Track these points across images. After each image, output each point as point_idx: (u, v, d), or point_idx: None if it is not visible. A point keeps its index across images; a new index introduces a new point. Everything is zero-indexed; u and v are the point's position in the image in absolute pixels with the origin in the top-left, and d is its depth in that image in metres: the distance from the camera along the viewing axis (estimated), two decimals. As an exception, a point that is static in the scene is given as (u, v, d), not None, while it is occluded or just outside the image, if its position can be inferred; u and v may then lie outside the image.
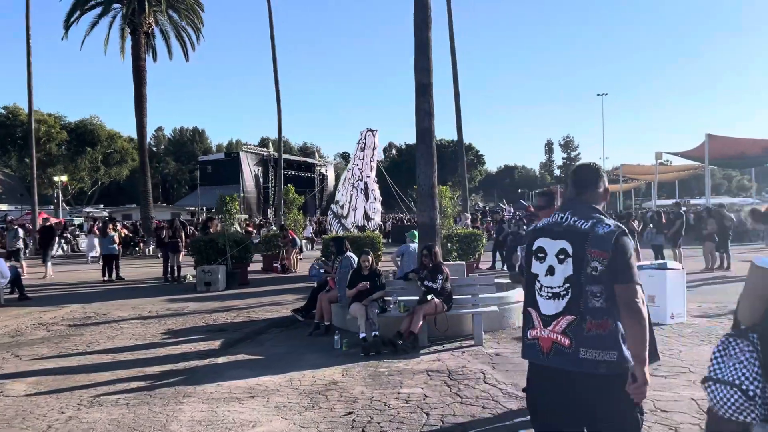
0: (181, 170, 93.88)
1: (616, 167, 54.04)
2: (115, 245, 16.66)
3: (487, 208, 55.05)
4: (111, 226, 17.35)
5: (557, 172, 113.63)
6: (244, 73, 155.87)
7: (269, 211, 58.29)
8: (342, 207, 17.01)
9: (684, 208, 39.53)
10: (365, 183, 16.74)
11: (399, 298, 8.38)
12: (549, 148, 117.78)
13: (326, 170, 74.02)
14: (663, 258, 16.92)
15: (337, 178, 78.76)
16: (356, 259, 8.88)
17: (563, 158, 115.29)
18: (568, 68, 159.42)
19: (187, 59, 31.33)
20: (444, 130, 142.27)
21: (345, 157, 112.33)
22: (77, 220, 47.29)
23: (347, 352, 7.85)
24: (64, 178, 51.08)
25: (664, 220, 17.47)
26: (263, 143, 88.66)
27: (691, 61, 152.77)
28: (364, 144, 16.93)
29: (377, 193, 16.87)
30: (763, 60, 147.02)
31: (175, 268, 16.58)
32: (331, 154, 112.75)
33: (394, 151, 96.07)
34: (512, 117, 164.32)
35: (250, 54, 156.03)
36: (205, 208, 59.93)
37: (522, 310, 3.12)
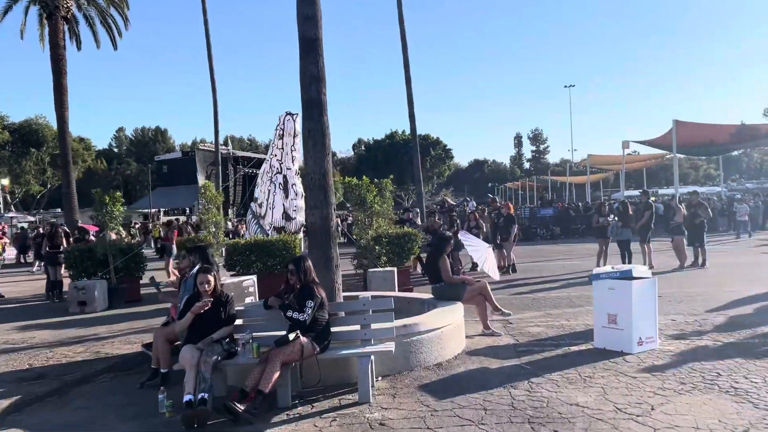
0: (144, 171, 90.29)
1: (584, 159, 52.10)
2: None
3: (447, 202, 52.64)
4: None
5: (527, 165, 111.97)
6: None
7: (230, 211, 55.43)
8: (260, 205, 14.35)
9: (653, 198, 37.68)
10: (284, 176, 14.10)
11: (254, 334, 5.81)
12: (518, 141, 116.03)
13: (290, 167, 70.82)
14: (630, 255, 14.61)
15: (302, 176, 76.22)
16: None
17: (532, 151, 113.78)
18: (536, 61, 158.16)
19: (115, 47, 28.35)
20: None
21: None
22: (22, 225, 43.95)
23: (172, 419, 5.27)
24: (5, 181, 47.64)
25: (630, 212, 15.13)
26: (227, 141, 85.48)
27: (659, 50, 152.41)
28: (283, 130, 14.28)
29: (299, 188, 14.23)
30: (731, 46, 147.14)
31: (57, 283, 13.80)
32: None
33: (363, 148, 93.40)
34: (482, 111, 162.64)
35: (214, 52, 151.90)
36: (162, 210, 56.84)
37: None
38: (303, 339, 5.42)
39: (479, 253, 7.79)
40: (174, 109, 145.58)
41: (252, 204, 14.82)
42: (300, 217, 14.05)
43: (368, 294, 6.92)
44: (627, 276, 6.95)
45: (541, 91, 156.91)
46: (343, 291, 7.65)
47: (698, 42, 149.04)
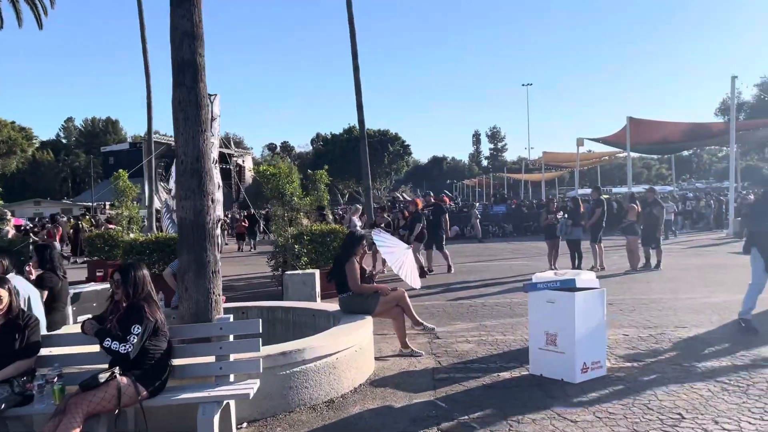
0: (94, 163, 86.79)
1: (540, 157, 51.43)
2: None
3: (399, 198, 51.23)
4: None
5: (485, 163, 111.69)
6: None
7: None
8: (173, 198, 12.62)
9: (606, 196, 37.00)
10: (200, 166, 12.39)
11: (66, 371, 4.20)
12: (476, 139, 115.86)
13: (243, 161, 68.86)
14: (580, 256, 13.38)
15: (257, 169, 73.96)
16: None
17: (490, 149, 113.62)
18: (495, 59, 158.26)
19: (40, 27, 25.95)
20: (370, 121, 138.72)
21: (272, 148, 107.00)
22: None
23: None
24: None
25: (582, 209, 13.90)
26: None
27: (616, 48, 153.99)
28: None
29: (216, 177, 12.53)
30: (686, 44, 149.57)
31: None
32: (259, 145, 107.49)
33: (321, 142, 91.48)
34: (443, 109, 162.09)
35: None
36: (108, 203, 54.11)
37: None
38: (122, 379, 3.85)
39: (394, 256, 6.34)
40: (129, 100, 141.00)
41: (166, 196, 13.08)
42: (216, 212, 12.35)
43: (230, 314, 5.23)
44: (569, 286, 5.55)
45: (500, 90, 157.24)
46: (261, 299, 6.12)
47: (656, 41, 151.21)
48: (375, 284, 6.49)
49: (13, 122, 63.73)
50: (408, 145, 78.31)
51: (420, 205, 14.21)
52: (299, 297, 9.21)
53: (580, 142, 37.22)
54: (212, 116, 12.63)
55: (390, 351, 6.72)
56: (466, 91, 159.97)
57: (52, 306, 5.68)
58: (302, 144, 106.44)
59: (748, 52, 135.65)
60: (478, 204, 29.15)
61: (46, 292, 5.63)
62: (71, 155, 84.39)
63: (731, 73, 21.15)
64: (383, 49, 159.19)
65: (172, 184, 12.75)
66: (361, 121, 25.06)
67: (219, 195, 12.42)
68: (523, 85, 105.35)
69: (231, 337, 4.44)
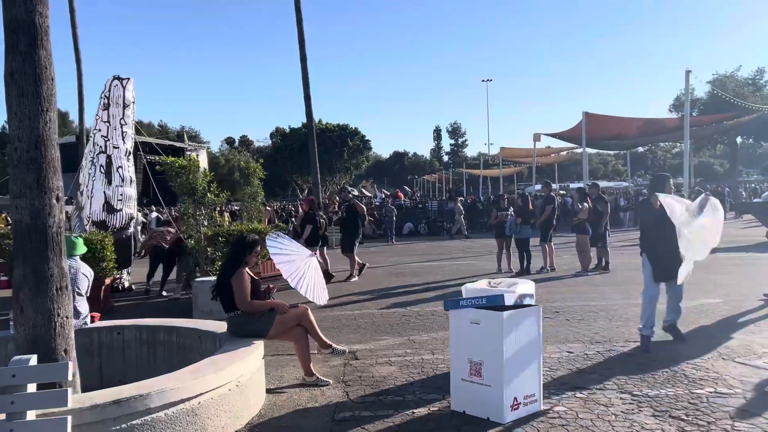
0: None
1: (498, 152, 50.85)
2: None
3: (345, 192, 50.07)
4: None
5: (446, 158, 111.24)
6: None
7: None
8: (81, 193, 11.23)
9: (563, 192, 36.45)
10: (108, 157, 11.02)
11: None
12: (437, 134, 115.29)
13: (198, 155, 66.54)
14: (529, 256, 12.47)
15: (211, 163, 71.58)
16: None
17: (451, 145, 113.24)
18: (456, 55, 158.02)
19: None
20: (330, 115, 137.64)
21: (230, 142, 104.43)
22: None
23: None
24: None
25: (531, 206, 12.99)
26: (135, 127, 79.62)
27: (576, 43, 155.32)
28: (107, 99, 11.16)
29: (128, 172, 11.18)
30: (642, 40, 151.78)
31: None
32: (218, 139, 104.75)
33: (279, 137, 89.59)
34: (404, 105, 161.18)
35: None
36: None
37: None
38: None
39: (292, 266, 5.18)
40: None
41: (77, 193, 11.68)
42: (128, 209, 11.02)
43: (29, 357, 3.94)
44: (497, 304, 4.51)
45: (461, 85, 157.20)
46: (168, 311, 4.90)
47: (614, 37, 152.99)
48: (271, 300, 5.34)
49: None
50: (368, 140, 77.08)
51: (308, 206, 12.67)
52: (211, 308, 8.02)
53: (536, 138, 36.64)
54: (125, 102, 11.29)
55: (294, 378, 5.59)
56: (427, 87, 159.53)
57: None
58: (261, 138, 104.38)
59: (702, 50, 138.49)
60: (460, 199, 27.50)
61: None
62: (5, 149, 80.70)
63: (685, 68, 20.58)
64: (344, 45, 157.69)
65: (81, 178, 11.34)
66: (308, 113, 23.90)
67: (132, 191, 11.10)
68: (483, 80, 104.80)
69: (31, 387, 3.24)
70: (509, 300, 4.55)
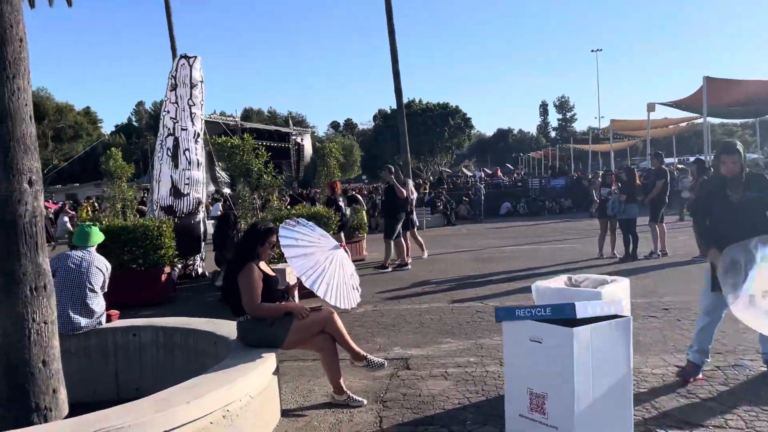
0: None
1: (608, 126, 47.34)
2: None
3: (445, 173, 48.24)
4: None
5: (553, 134, 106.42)
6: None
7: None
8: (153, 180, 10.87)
9: (680, 167, 33.07)
10: (176, 139, 10.52)
11: None
12: (544, 109, 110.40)
13: (302, 139, 67.79)
14: (636, 239, 10.77)
15: (314, 148, 72.48)
16: None
17: (559, 120, 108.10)
18: (562, 25, 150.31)
19: (69, 4, 24.83)
20: (430, 94, 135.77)
21: (335, 126, 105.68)
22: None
23: None
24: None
25: (637, 181, 11.21)
26: (246, 114, 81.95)
27: (691, 7, 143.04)
28: (174, 78, 10.64)
29: (196, 154, 10.62)
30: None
31: None
32: (325, 123, 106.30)
33: (381, 119, 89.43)
34: (509, 80, 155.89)
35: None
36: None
37: None
38: None
39: (308, 263, 4.11)
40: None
41: (152, 179, 11.35)
42: (196, 194, 10.48)
43: None
44: (566, 316, 3.24)
45: (568, 58, 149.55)
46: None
47: None
48: (288, 302, 4.34)
49: (87, 108, 65.00)
50: (469, 118, 74.98)
51: (338, 189, 11.54)
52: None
53: (650, 108, 33.31)
54: (192, 82, 10.73)
55: (324, 395, 4.60)
56: (532, 60, 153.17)
57: None
58: (365, 121, 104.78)
59: None
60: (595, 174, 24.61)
61: None
62: (141, 138, 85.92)
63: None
64: (446, 22, 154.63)
65: (157, 165, 10.94)
66: (397, 88, 22.85)
67: (199, 175, 10.55)
68: (592, 51, 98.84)
69: None
70: (589, 309, 3.26)
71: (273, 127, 66.69)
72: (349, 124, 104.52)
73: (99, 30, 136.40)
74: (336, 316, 4.29)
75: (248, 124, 65.91)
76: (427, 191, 25.28)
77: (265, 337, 4.13)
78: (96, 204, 23.80)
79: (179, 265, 10.09)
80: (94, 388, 5.13)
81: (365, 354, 4.44)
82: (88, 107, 65.93)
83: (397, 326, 6.69)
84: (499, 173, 40.51)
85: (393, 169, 11.07)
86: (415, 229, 11.96)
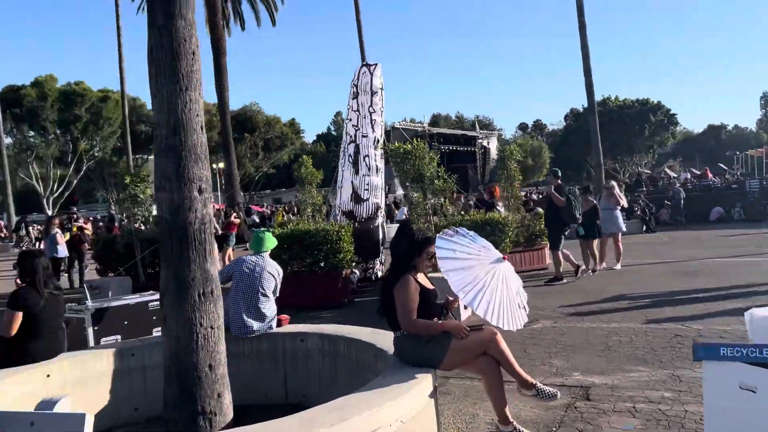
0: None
1: None
2: (55, 247, 12.55)
3: (644, 174, 43.85)
4: (56, 221, 13.41)
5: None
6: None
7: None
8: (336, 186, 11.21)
9: None
10: (357, 146, 10.70)
11: None
12: (766, 101, 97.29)
13: (488, 142, 67.09)
14: None
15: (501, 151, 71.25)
16: None
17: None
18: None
19: (274, 23, 27.08)
20: (628, 91, 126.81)
21: (523, 127, 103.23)
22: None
23: None
24: (222, 165, 50.82)
25: None
26: (434, 120, 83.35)
27: None
28: (356, 87, 10.84)
29: (375, 161, 10.70)
30: None
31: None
32: (512, 126, 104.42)
33: (572, 118, 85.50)
34: (720, 71, 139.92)
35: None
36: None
37: None
38: None
39: (469, 273, 3.67)
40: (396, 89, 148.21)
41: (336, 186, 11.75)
42: (375, 199, 10.57)
43: None
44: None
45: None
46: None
47: None
48: (446, 321, 3.97)
49: (292, 119, 70.99)
50: (674, 114, 68.58)
51: (497, 194, 10.59)
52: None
53: None
54: (372, 89, 10.88)
55: (486, 423, 4.17)
56: (749, 46, 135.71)
57: (32, 331, 4.39)
58: (556, 121, 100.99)
59: None
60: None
61: (19, 314, 4.34)
62: (338, 146, 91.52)
63: None
64: (640, 10, 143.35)
65: (340, 172, 11.28)
66: (589, 85, 21.44)
67: (378, 181, 10.65)
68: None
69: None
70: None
71: (459, 132, 66.91)
72: (538, 126, 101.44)
73: (301, 47, 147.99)
74: (499, 338, 3.84)
75: (435, 130, 67.01)
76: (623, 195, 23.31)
77: (421, 356, 3.82)
78: (287, 208, 25.54)
79: (358, 269, 10.25)
80: (266, 392, 5.24)
81: (534, 381, 3.93)
82: (293, 119, 71.78)
83: (578, 347, 6.01)
84: (709, 174, 36.25)
85: (558, 174, 10.23)
86: (597, 240, 10.82)
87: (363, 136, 10.75)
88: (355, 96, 10.88)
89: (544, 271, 11.34)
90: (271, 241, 5.52)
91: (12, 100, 44.77)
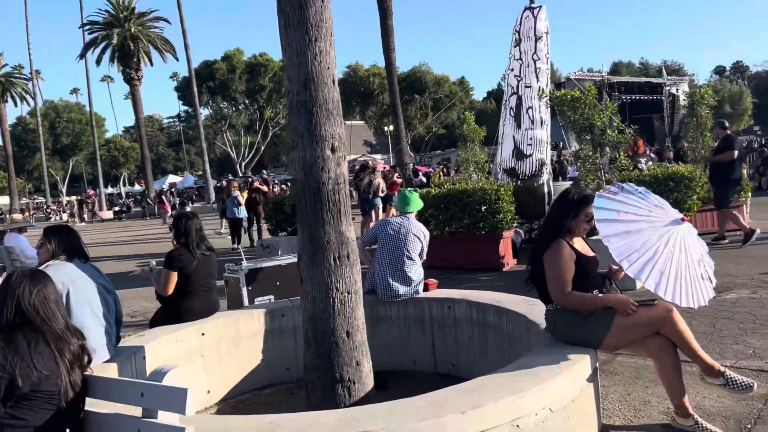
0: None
1: None
2: (236, 208, 13.34)
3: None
4: (235, 185, 14.22)
5: None
6: None
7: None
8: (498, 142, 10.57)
9: None
10: (519, 98, 9.88)
11: None
12: None
13: (677, 90, 60.76)
14: None
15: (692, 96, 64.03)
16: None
17: None
18: None
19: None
20: None
21: (720, 71, 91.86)
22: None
23: None
24: (392, 127, 51.74)
25: None
26: (615, 68, 77.03)
27: None
28: (518, 33, 9.95)
29: (539, 113, 9.79)
30: None
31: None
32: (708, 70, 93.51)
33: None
34: None
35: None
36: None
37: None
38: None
39: (637, 238, 2.94)
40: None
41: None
42: (539, 154, 9.74)
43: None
44: None
45: None
46: None
47: None
48: (609, 294, 3.35)
49: (461, 78, 69.94)
50: None
51: (640, 148, 8.87)
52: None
53: None
54: (536, 34, 9.98)
55: (660, 412, 3.51)
56: None
57: (186, 290, 4.53)
58: (761, 62, 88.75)
59: None
60: None
61: (175, 273, 4.49)
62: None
63: None
64: None
65: (500, 127, 10.62)
66: None
67: (543, 134, 9.86)
68: None
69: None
70: None
71: (643, 79, 61.23)
72: (739, 68, 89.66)
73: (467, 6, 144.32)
74: (676, 315, 3.15)
75: (615, 78, 62.05)
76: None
77: (578, 335, 3.27)
78: (445, 169, 25.06)
79: (522, 230, 9.61)
80: (414, 358, 5.00)
81: (722, 369, 3.20)
82: (462, 77, 70.56)
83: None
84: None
85: (725, 125, 8.65)
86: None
87: (526, 87, 9.93)
88: (518, 43, 10.05)
89: (735, 232, 9.80)
90: (416, 203, 5.19)
91: (207, 75, 49.18)
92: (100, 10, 44.90)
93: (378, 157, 52.43)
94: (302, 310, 3.85)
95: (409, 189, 5.76)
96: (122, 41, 40.86)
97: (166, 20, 46.65)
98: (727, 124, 9.45)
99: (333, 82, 3.89)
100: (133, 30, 41.53)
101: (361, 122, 64.13)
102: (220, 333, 4.61)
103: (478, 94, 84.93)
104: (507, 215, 8.32)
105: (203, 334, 4.51)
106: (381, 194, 13.09)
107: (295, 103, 3.79)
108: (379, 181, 13.78)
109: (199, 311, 4.59)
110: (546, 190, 9.69)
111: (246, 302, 5.36)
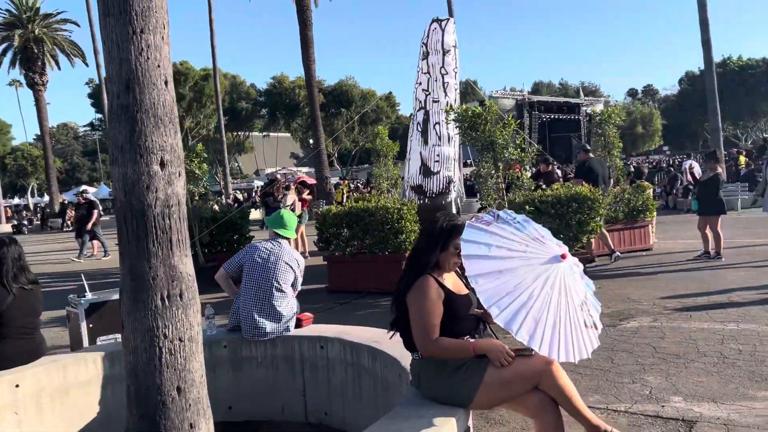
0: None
1: None
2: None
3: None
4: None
5: None
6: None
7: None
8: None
9: None
10: (426, 113, 9.47)
11: None
12: None
13: (593, 110, 62.99)
14: None
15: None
16: None
17: None
18: None
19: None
20: (751, 47, 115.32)
21: (633, 93, 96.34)
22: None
23: None
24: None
25: None
26: (536, 88, 79.40)
27: None
28: (426, 45, 9.57)
29: (448, 129, 9.42)
30: None
31: None
32: (621, 92, 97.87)
33: (687, 82, 78.65)
34: None
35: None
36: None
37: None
38: None
39: (508, 279, 2.46)
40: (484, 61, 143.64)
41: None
42: (447, 171, 9.33)
43: None
44: None
45: None
46: None
47: None
48: (482, 339, 2.82)
49: (388, 93, 69.99)
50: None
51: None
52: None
53: None
54: (444, 48, 9.61)
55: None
56: None
57: (-3, 332, 3.69)
58: (669, 86, 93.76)
59: None
60: None
61: (-20, 311, 3.65)
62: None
63: None
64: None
65: (408, 143, 10.15)
66: (705, 41, 18.77)
67: (450, 151, 9.46)
68: None
69: None
70: None
71: (562, 99, 63.25)
72: (649, 91, 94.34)
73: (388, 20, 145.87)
74: (557, 368, 2.65)
75: (535, 98, 63.85)
76: (743, 164, 20.54)
77: (445, 391, 2.71)
78: (352, 185, 24.62)
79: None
80: (282, 405, 4.34)
81: (608, 428, 2.71)
82: (389, 92, 70.60)
83: (682, 357, 4.62)
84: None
85: (587, 148, 8.88)
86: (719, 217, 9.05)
87: (434, 101, 9.52)
88: (425, 56, 9.65)
89: (647, 252, 9.72)
90: (292, 229, 4.53)
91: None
92: (1, 9, 42.02)
93: (305, 170, 51.48)
94: (124, 362, 3.13)
95: (284, 206, 5.09)
96: (24, 43, 38.27)
97: (74, 23, 44.17)
98: (589, 147, 9.68)
99: (165, 83, 3.18)
100: (37, 32, 38.97)
101: (287, 134, 63.21)
102: (41, 383, 3.80)
103: (405, 110, 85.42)
104: (410, 235, 7.80)
105: (17, 385, 3.69)
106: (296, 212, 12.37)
107: (115, 108, 3.06)
108: (293, 197, 13.04)
109: (14, 357, 3.77)
110: (454, 209, 9.26)
111: (86, 342, 4.54)
